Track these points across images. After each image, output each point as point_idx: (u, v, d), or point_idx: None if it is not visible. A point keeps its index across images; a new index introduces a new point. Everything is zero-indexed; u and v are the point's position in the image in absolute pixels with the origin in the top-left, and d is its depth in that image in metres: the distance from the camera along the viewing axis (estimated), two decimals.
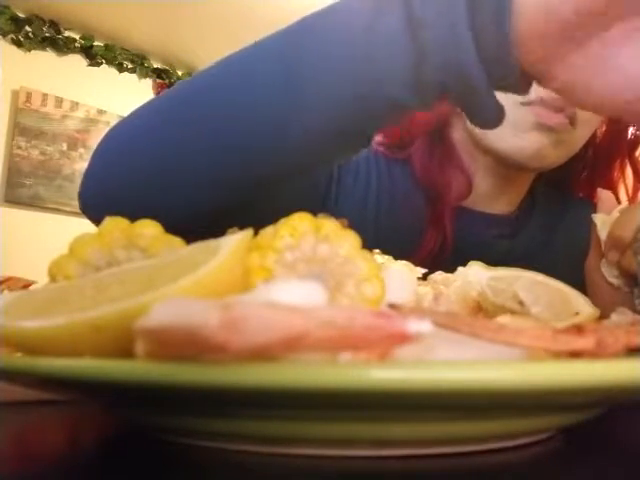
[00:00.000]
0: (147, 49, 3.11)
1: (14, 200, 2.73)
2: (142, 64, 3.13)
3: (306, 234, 0.23)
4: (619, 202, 0.62)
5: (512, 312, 0.28)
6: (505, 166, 0.55)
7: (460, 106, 0.30)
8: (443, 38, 0.27)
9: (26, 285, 0.41)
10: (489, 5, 0.26)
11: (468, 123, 0.53)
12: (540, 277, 0.30)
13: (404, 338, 0.16)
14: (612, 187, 0.61)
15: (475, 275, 0.30)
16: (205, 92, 0.35)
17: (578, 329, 0.20)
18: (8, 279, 0.41)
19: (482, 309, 0.29)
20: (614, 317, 0.28)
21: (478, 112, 0.30)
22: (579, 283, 0.55)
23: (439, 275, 0.31)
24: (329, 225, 0.24)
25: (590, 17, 0.26)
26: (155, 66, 3.19)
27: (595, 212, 0.61)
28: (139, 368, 0.16)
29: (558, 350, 0.18)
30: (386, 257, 0.30)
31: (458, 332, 0.18)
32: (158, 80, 3.19)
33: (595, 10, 0.26)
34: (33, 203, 2.76)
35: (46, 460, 0.20)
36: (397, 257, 0.31)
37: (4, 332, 0.19)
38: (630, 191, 0.61)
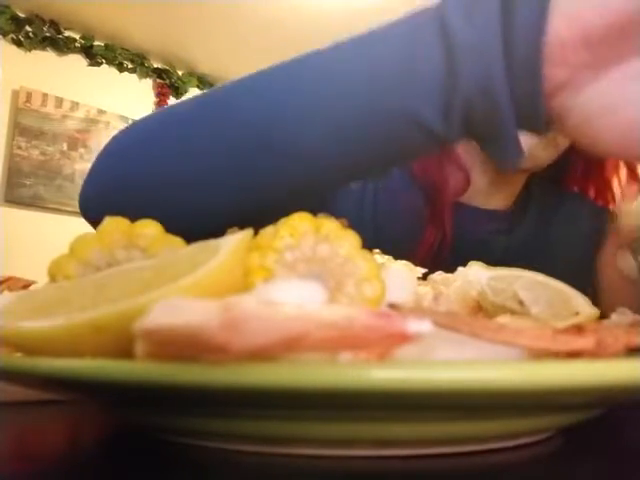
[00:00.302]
0: (147, 49, 3.11)
1: (14, 200, 2.73)
2: (142, 64, 3.13)
3: (306, 234, 0.23)
4: (613, 195, 0.62)
5: (512, 312, 0.28)
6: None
7: (482, 142, 0.30)
8: (477, 62, 0.27)
9: (26, 285, 0.41)
10: (524, 40, 0.26)
11: None
12: (540, 277, 0.30)
13: (404, 338, 0.16)
14: (606, 181, 0.62)
15: (475, 275, 0.30)
16: (234, 110, 0.34)
17: (578, 329, 0.20)
18: (8, 279, 0.41)
19: (482, 309, 0.29)
20: (614, 317, 0.28)
21: (499, 149, 0.29)
22: (576, 279, 0.56)
23: (439, 275, 0.31)
24: (329, 225, 0.24)
25: (613, 32, 0.25)
26: (155, 66, 3.19)
27: (590, 205, 0.62)
28: (139, 368, 0.16)
29: (558, 350, 0.18)
30: (386, 257, 0.30)
31: (458, 332, 0.18)
32: (158, 80, 3.19)
33: (619, 23, 0.25)
34: (33, 203, 2.76)
35: (46, 460, 0.20)
36: (397, 255, 0.31)
37: (4, 332, 0.19)
38: (623, 184, 0.61)
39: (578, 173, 0.63)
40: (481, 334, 0.18)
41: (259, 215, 0.36)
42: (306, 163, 0.32)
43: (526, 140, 0.51)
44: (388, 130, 0.30)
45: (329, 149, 0.31)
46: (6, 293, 0.37)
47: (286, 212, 0.31)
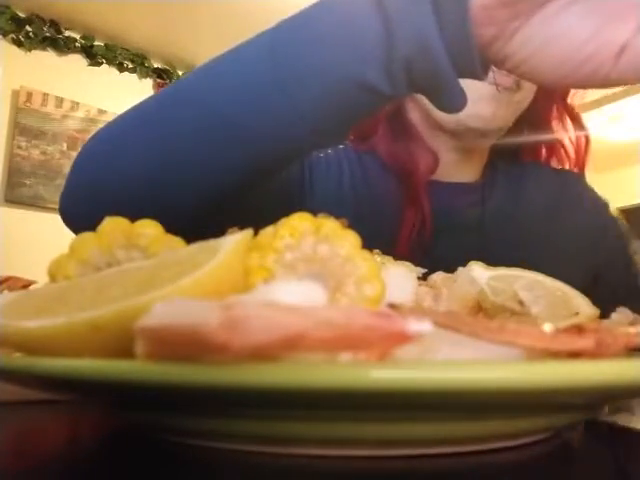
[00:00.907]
0: (147, 49, 3.11)
1: (14, 200, 2.73)
2: (142, 64, 3.13)
3: (306, 234, 0.23)
4: (567, 152, 0.65)
5: (512, 312, 0.28)
6: (462, 139, 0.58)
7: (426, 93, 0.33)
8: (408, 20, 0.30)
9: (26, 285, 0.41)
10: None
11: (424, 103, 0.57)
12: (540, 277, 0.30)
13: (404, 338, 0.16)
14: (555, 141, 0.65)
15: (475, 275, 0.30)
16: (194, 92, 0.36)
17: (578, 329, 0.20)
18: (8, 279, 0.41)
19: (482, 309, 0.29)
20: (614, 317, 0.28)
21: (443, 97, 0.32)
22: (547, 243, 0.58)
23: (439, 275, 0.31)
24: (329, 225, 0.24)
25: None
26: (155, 66, 3.18)
27: (549, 171, 0.64)
28: (139, 368, 0.16)
29: (558, 350, 0.18)
30: (386, 257, 0.30)
31: (458, 332, 0.18)
32: (158, 80, 3.19)
33: None
34: (33, 203, 2.76)
35: (46, 460, 0.20)
36: (381, 242, 0.32)
37: (4, 332, 0.19)
38: (574, 140, 0.64)
39: (530, 143, 0.66)
40: (481, 334, 0.18)
41: (235, 199, 0.38)
42: (265, 140, 0.35)
43: (488, 104, 0.52)
44: (340, 97, 0.33)
45: (288, 123, 0.34)
46: (6, 293, 0.37)
47: (245, 204, 0.34)
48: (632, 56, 0.30)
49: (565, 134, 0.64)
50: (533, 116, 0.62)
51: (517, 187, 0.63)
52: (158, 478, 0.18)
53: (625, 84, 0.32)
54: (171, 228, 0.26)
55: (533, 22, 0.31)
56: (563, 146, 0.65)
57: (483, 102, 0.53)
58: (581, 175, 0.66)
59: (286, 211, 0.55)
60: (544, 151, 0.66)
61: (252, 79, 0.34)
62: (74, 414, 0.29)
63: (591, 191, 0.67)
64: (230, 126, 0.35)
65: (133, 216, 0.26)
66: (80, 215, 0.41)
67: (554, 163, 0.66)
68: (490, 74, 0.50)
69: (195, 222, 0.35)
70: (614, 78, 0.31)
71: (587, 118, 0.65)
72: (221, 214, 0.39)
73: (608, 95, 2.76)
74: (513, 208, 0.61)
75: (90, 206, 0.39)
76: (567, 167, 0.66)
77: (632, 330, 0.22)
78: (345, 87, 0.32)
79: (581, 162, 0.65)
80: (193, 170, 0.36)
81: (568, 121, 0.63)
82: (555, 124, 0.64)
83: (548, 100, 0.63)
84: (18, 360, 0.19)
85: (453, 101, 0.33)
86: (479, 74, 0.32)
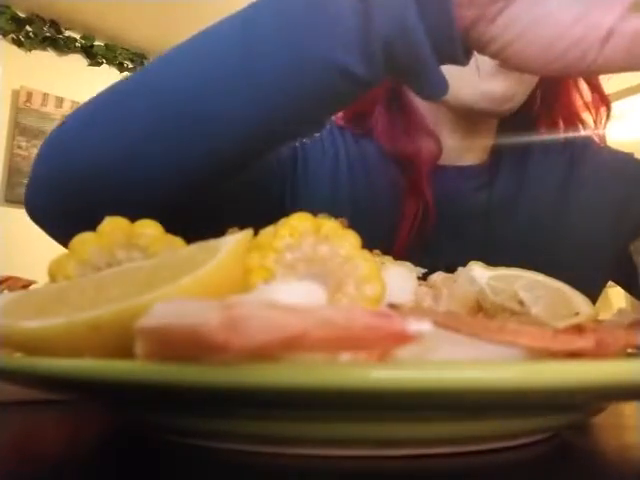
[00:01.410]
0: (147, 49, 3.11)
1: (14, 200, 2.73)
2: (142, 64, 3.13)
3: (306, 234, 0.23)
4: (583, 123, 0.60)
5: (512, 312, 0.28)
6: (469, 118, 0.55)
7: (406, 79, 0.32)
8: (389, 2, 0.29)
9: (26, 285, 0.41)
10: None
11: None
12: (540, 277, 0.30)
13: (404, 338, 0.16)
14: (573, 110, 0.60)
15: (475, 275, 0.30)
16: (162, 78, 0.35)
17: (578, 329, 0.20)
18: (8, 279, 0.41)
19: (482, 309, 0.29)
20: (614, 317, 0.28)
21: (423, 83, 0.31)
22: (555, 222, 0.55)
23: (439, 275, 0.31)
24: (329, 225, 0.24)
25: None
26: None
27: (556, 149, 0.59)
28: (139, 368, 0.16)
29: (558, 350, 0.18)
30: (386, 257, 0.30)
31: (458, 332, 0.18)
32: None
33: None
34: None
35: (46, 460, 0.20)
36: (381, 237, 0.31)
37: (4, 332, 0.19)
38: (593, 111, 0.59)
39: (541, 111, 0.60)
40: (481, 334, 0.18)
41: (208, 189, 0.37)
42: (234, 127, 0.33)
43: (503, 81, 0.49)
44: (313, 82, 0.31)
45: (256, 111, 0.32)
46: (6, 293, 0.37)
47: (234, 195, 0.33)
48: (619, 41, 0.30)
49: (582, 102, 0.59)
50: (547, 83, 0.58)
51: (525, 164, 0.58)
52: (158, 478, 0.18)
53: (610, 72, 0.32)
54: (170, 228, 0.26)
55: (517, 3, 0.30)
56: (579, 118, 0.60)
57: (496, 79, 0.49)
58: (591, 139, 0.61)
59: (277, 196, 0.53)
60: (561, 121, 0.60)
61: (221, 63, 0.32)
62: (74, 414, 0.29)
63: (607, 155, 0.61)
64: (196, 113, 0.33)
65: (99, 206, 0.25)
66: (46, 206, 0.40)
67: (571, 132, 0.61)
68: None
69: (164, 212, 0.33)
70: (601, 64, 0.30)
71: (586, 118, 0.61)
72: (191, 205, 0.37)
73: (609, 94, 2.76)
74: (520, 187, 0.57)
75: (56, 196, 0.38)
76: (585, 136, 0.61)
77: (632, 330, 0.22)
78: (318, 70, 0.31)
79: (601, 135, 0.60)
80: (159, 159, 0.35)
81: (585, 88, 0.59)
82: (572, 92, 0.59)
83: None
84: (18, 360, 0.19)
85: (434, 87, 0.31)
86: (460, 59, 0.31)
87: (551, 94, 0.59)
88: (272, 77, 0.31)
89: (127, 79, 0.39)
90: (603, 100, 0.58)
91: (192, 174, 0.35)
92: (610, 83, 0.61)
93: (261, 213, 0.26)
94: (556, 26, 0.30)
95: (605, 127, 0.60)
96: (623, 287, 0.62)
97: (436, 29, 0.29)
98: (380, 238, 0.49)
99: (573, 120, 0.60)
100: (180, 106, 0.33)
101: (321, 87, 0.32)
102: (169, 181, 0.35)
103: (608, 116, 0.59)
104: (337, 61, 0.30)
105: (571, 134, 0.61)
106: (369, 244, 0.25)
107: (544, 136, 0.60)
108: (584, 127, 0.60)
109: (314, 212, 0.25)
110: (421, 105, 0.57)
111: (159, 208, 0.33)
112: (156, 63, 0.37)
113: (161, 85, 0.34)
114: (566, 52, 0.30)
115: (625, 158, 0.62)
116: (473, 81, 0.49)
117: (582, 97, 0.59)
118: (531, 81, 0.53)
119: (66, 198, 0.37)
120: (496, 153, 0.59)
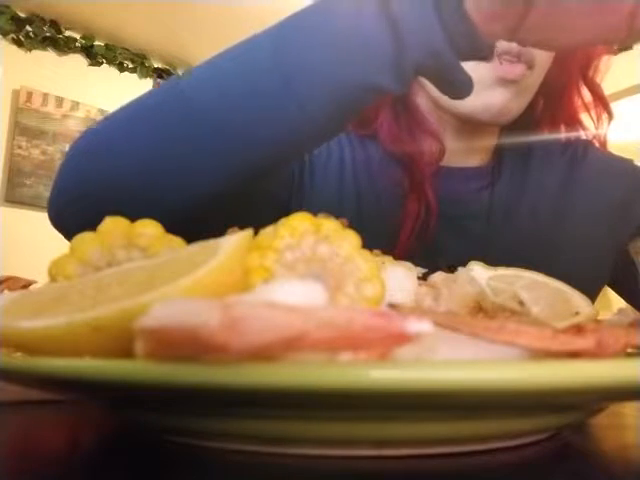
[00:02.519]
0: (148, 49, 3.11)
1: (14, 200, 2.73)
2: (143, 64, 3.13)
3: (306, 234, 0.23)
4: (583, 126, 0.61)
5: (512, 312, 0.28)
6: (471, 122, 0.56)
7: (434, 82, 0.34)
8: (416, 27, 0.31)
9: (26, 285, 0.41)
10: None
11: (431, 89, 0.54)
12: (540, 277, 0.30)
13: (404, 338, 0.16)
14: (575, 115, 0.61)
15: (475, 275, 0.30)
16: (199, 91, 0.36)
17: (578, 329, 0.20)
18: (8, 279, 0.41)
19: (482, 309, 0.29)
20: (614, 317, 0.28)
21: (450, 85, 0.34)
22: (557, 223, 0.56)
23: (439, 275, 0.31)
24: (329, 225, 0.23)
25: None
26: (156, 66, 3.19)
27: (558, 152, 0.60)
28: (139, 368, 0.16)
29: (558, 350, 0.18)
30: (386, 257, 0.30)
31: (458, 332, 0.18)
32: (159, 80, 3.19)
33: None
34: (34, 203, 2.76)
35: (46, 460, 0.20)
36: (385, 230, 0.32)
37: (4, 332, 0.19)
38: (595, 116, 0.60)
39: (543, 113, 0.62)
40: (481, 334, 0.18)
41: (226, 209, 0.38)
42: (265, 142, 0.35)
43: (501, 95, 0.51)
44: (347, 99, 0.34)
45: (290, 125, 0.34)
46: (6, 293, 0.37)
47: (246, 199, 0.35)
48: None
49: (584, 109, 0.60)
50: (549, 87, 0.58)
51: (526, 167, 0.59)
52: (158, 478, 0.18)
53: None
54: (170, 228, 0.26)
55: (537, 7, 0.31)
56: (579, 120, 0.61)
57: (494, 93, 0.51)
58: (591, 143, 0.62)
59: (284, 200, 0.55)
60: (563, 126, 0.61)
61: (254, 82, 0.34)
62: (74, 414, 0.29)
63: (607, 159, 0.62)
64: (228, 130, 0.34)
65: (128, 216, 0.25)
66: (71, 216, 0.40)
67: (572, 136, 0.62)
68: (500, 66, 0.49)
69: (190, 223, 0.34)
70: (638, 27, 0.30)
71: (585, 118, 0.62)
72: (218, 215, 0.38)
73: (607, 95, 2.76)
74: (523, 190, 0.58)
75: (82, 205, 0.39)
76: (585, 139, 0.62)
77: (632, 330, 0.22)
78: (353, 90, 0.33)
79: (602, 136, 0.61)
80: (191, 173, 0.36)
81: (587, 94, 0.60)
82: (574, 97, 0.60)
83: (565, 75, 0.59)
84: (18, 360, 0.19)
85: (459, 88, 0.33)
86: (486, 58, 0.33)
87: (553, 99, 0.60)
88: (306, 95, 0.33)
89: (159, 91, 0.40)
90: (604, 104, 0.59)
91: (223, 189, 0.37)
92: (610, 84, 0.61)
93: (267, 215, 0.27)
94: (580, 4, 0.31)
95: (606, 131, 0.60)
96: (617, 291, 0.62)
97: (464, 48, 0.31)
98: (383, 238, 0.50)
99: (575, 124, 0.61)
100: (214, 123, 0.35)
101: (354, 102, 0.35)
102: (200, 194, 0.37)
103: (609, 120, 0.60)
104: (373, 82, 0.33)
105: (572, 137, 0.62)
106: (372, 244, 0.25)
107: (546, 139, 0.61)
108: (585, 131, 0.61)
109: (319, 213, 0.25)
110: (425, 109, 0.58)
111: (186, 219, 0.35)
112: (191, 79, 0.38)
113: (196, 104, 0.36)
114: (601, 18, 0.31)
115: (625, 164, 0.63)
116: (473, 94, 0.49)
117: (583, 101, 0.60)
118: (531, 91, 0.54)
119: (91, 205, 0.37)
120: (498, 155, 0.60)
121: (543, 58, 0.52)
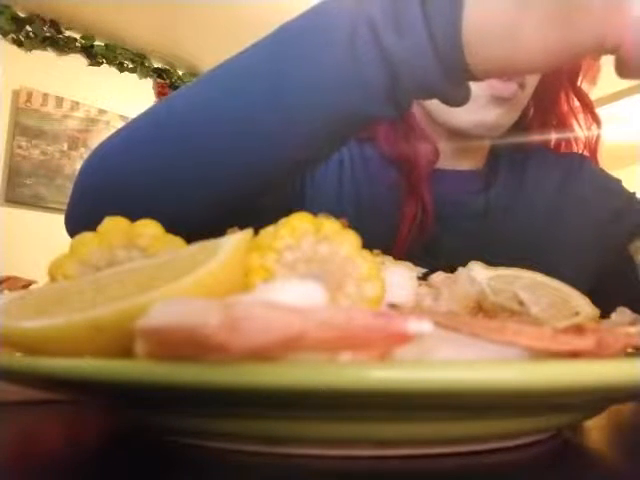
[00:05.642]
0: (147, 49, 3.11)
1: (15, 200, 2.73)
2: (143, 64, 3.13)
3: (306, 234, 0.23)
4: (577, 140, 0.63)
5: (512, 312, 0.28)
6: (463, 136, 0.58)
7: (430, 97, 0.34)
8: (409, 56, 0.30)
9: (26, 285, 0.41)
10: (444, 28, 0.30)
11: (425, 104, 0.57)
12: (540, 277, 0.30)
13: (404, 338, 0.16)
14: (565, 123, 0.63)
15: (475, 275, 0.30)
16: (191, 110, 0.36)
17: (578, 329, 0.20)
18: (8, 279, 0.41)
19: (482, 309, 0.29)
20: (614, 317, 0.28)
21: (447, 102, 0.34)
22: (551, 226, 0.58)
23: (439, 275, 0.31)
24: (329, 225, 0.23)
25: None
26: (156, 66, 3.18)
27: (553, 155, 0.62)
28: (139, 368, 0.16)
29: (558, 350, 0.18)
30: (386, 257, 0.30)
31: (458, 332, 0.18)
32: (159, 80, 3.19)
33: None
34: (34, 203, 2.76)
35: (46, 460, 0.20)
36: (382, 231, 0.32)
37: (4, 332, 0.19)
38: (583, 125, 0.62)
39: (534, 122, 0.64)
40: (481, 334, 0.18)
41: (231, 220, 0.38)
42: (255, 169, 0.36)
43: (494, 112, 0.52)
44: (342, 126, 0.34)
45: (287, 150, 0.35)
46: (6, 293, 0.37)
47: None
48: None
49: (573, 117, 0.63)
50: (540, 100, 0.61)
51: (521, 173, 0.61)
52: (158, 478, 0.18)
53: None
54: (170, 228, 0.26)
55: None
56: (570, 128, 0.63)
57: (486, 110, 0.53)
58: (587, 158, 0.64)
59: (286, 203, 0.55)
60: (553, 131, 0.64)
61: (250, 97, 0.34)
62: (75, 414, 0.29)
63: (600, 174, 0.64)
64: (222, 150, 0.35)
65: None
66: (88, 224, 0.41)
67: (563, 148, 0.65)
68: (493, 84, 0.51)
69: (199, 230, 0.35)
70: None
71: (577, 128, 0.64)
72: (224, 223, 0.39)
73: (607, 95, 2.76)
74: (518, 195, 0.60)
75: (98, 215, 0.39)
76: (576, 151, 0.64)
77: (632, 330, 0.22)
78: (349, 119, 0.34)
79: (593, 147, 0.63)
80: (191, 185, 0.36)
81: (577, 105, 0.62)
82: (564, 109, 0.62)
83: (555, 83, 0.61)
84: (18, 360, 0.19)
85: (456, 99, 0.33)
86: (475, 79, 0.33)
87: (543, 105, 0.63)
88: (302, 127, 0.34)
89: (162, 109, 0.40)
90: (591, 112, 0.62)
91: (227, 197, 0.38)
92: (610, 84, 0.62)
93: (267, 216, 0.27)
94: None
95: (597, 137, 0.63)
96: (616, 291, 0.63)
97: (455, 77, 0.32)
98: (381, 238, 0.51)
99: (564, 130, 0.64)
100: (208, 141, 0.35)
101: (350, 129, 0.35)
102: (204, 205, 0.38)
103: (598, 127, 0.62)
104: (368, 111, 0.33)
105: (563, 145, 0.65)
106: (371, 244, 0.25)
107: (538, 142, 0.64)
108: (575, 137, 0.64)
109: (318, 214, 0.25)
110: (419, 117, 0.60)
111: (195, 228, 0.35)
112: (184, 98, 0.38)
113: (190, 122, 0.36)
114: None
115: (617, 182, 0.65)
116: (467, 110, 0.52)
117: (572, 108, 0.63)
118: (523, 104, 0.56)
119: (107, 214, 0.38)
120: (493, 160, 0.63)
121: (533, 75, 0.54)
